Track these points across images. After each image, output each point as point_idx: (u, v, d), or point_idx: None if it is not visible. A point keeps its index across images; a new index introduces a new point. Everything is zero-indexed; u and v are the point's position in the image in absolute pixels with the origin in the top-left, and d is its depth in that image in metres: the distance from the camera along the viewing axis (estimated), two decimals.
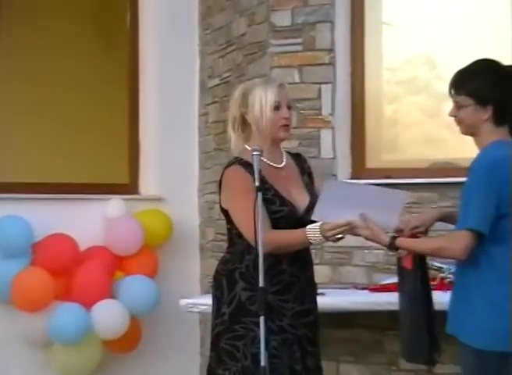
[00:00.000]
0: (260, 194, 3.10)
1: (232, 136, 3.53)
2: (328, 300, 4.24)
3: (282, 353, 3.36)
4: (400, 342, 3.48)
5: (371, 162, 5.06)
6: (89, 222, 5.43)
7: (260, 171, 3.18)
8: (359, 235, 3.25)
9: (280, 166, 3.51)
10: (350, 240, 3.45)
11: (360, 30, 5.05)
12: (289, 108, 3.47)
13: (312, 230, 3.26)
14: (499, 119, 3.15)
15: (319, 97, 5.00)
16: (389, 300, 4.32)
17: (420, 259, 3.34)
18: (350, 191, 3.28)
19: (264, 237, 3.07)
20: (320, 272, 4.56)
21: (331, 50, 5.00)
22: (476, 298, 3.08)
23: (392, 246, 3.20)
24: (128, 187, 5.80)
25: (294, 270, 3.43)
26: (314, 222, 3.33)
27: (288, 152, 3.62)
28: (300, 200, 3.47)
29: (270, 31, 5.08)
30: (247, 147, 3.46)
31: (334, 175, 4.93)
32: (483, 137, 3.17)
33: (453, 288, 3.25)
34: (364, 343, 4.84)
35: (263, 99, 3.41)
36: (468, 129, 3.22)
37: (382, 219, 3.20)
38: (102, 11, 6.15)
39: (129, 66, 5.87)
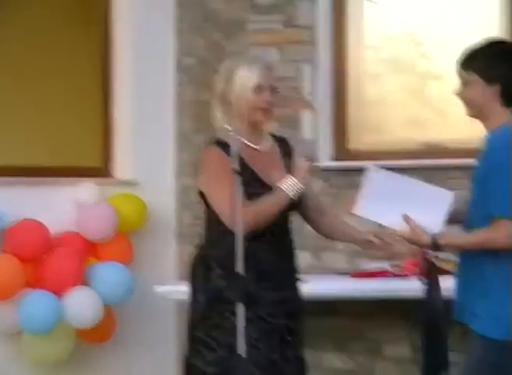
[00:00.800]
0: (238, 177, 3.03)
1: (217, 112, 3.46)
2: (310, 287, 4.14)
3: (260, 343, 3.31)
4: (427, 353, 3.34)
5: (353, 144, 5.07)
6: (60, 207, 5.35)
7: (239, 154, 3.10)
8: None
9: (261, 147, 3.46)
10: None
11: (342, 6, 5.06)
12: (273, 90, 3.39)
13: (288, 184, 3.24)
14: (507, 98, 3.13)
15: (299, 76, 5.00)
16: (373, 287, 4.28)
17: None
18: (394, 183, 3.18)
19: (244, 213, 3.02)
20: (301, 258, 4.49)
21: (311, 28, 4.98)
22: (494, 289, 3.05)
23: (435, 245, 3.11)
24: (101, 171, 5.71)
25: (273, 257, 3.38)
26: (294, 205, 3.31)
27: (273, 135, 3.56)
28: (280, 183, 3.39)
29: (249, 8, 5.07)
30: (228, 127, 3.39)
31: (314, 158, 4.83)
32: (492, 119, 3.13)
33: (463, 278, 3.19)
34: (346, 331, 4.82)
35: (244, 79, 3.35)
36: (475, 109, 3.18)
37: (426, 221, 3.09)
38: None
39: (102, 45, 5.78)
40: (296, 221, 4.07)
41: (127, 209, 5.41)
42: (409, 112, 5.08)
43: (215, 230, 3.37)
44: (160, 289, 4.49)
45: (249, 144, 3.39)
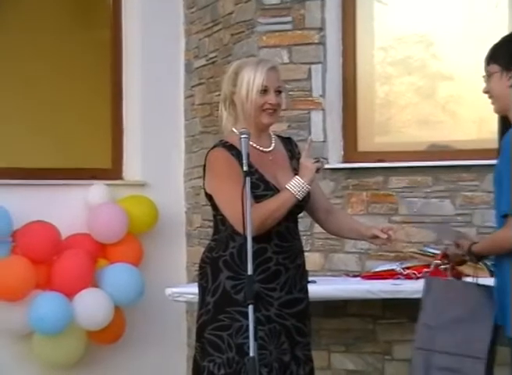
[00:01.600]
0: (248, 179, 3.01)
1: (224, 114, 3.45)
2: (320, 288, 4.18)
3: (270, 344, 3.29)
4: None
5: (363, 145, 5.00)
6: (71, 208, 5.38)
7: (248, 155, 3.09)
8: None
9: (267, 149, 3.43)
10: None
11: (352, 7, 4.99)
12: (279, 92, 3.38)
13: (294, 184, 3.22)
14: None
15: (309, 78, 4.95)
16: (382, 288, 4.26)
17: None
18: None
19: (250, 214, 3.04)
20: (311, 259, 4.53)
21: (321, 29, 4.94)
22: None
23: (471, 254, 3.19)
24: (111, 172, 5.73)
25: (280, 258, 3.34)
26: (301, 207, 3.33)
27: (278, 136, 3.54)
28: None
29: (258, 9, 5.01)
30: (234, 130, 3.39)
31: (325, 158, 4.82)
32: None
33: (496, 281, 3.20)
34: (356, 332, 4.80)
35: (250, 81, 3.33)
36: (499, 103, 3.15)
37: None
38: None
39: (112, 47, 5.80)
40: (305, 223, 4.08)
41: (137, 211, 5.43)
42: (419, 113, 5.03)
43: (222, 231, 3.35)
44: (170, 291, 4.47)
45: (255, 146, 3.37)
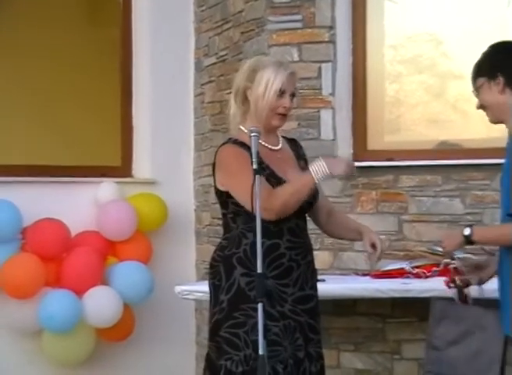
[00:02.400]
0: (258, 177, 3.02)
1: (233, 108, 3.46)
2: (329, 286, 4.17)
3: (284, 340, 3.30)
4: None
5: (372, 144, 4.99)
6: (80, 206, 5.38)
7: (258, 153, 3.10)
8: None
9: (276, 148, 3.45)
10: None
11: (362, 6, 4.97)
12: (292, 96, 3.40)
13: (317, 166, 3.21)
14: None
15: (319, 76, 4.94)
16: (391, 287, 4.25)
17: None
18: None
19: (272, 197, 3.17)
20: (320, 257, 4.52)
21: (331, 27, 4.93)
22: None
23: (469, 242, 3.15)
24: (120, 170, 5.73)
25: (293, 254, 3.35)
26: (310, 204, 3.35)
27: (283, 137, 3.55)
28: None
29: (268, 7, 5.00)
30: (242, 128, 3.40)
31: (335, 157, 4.82)
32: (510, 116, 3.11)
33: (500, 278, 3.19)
34: (365, 331, 4.80)
35: (270, 82, 3.34)
36: (493, 113, 3.18)
37: None
38: None
39: (121, 45, 5.79)
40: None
41: (146, 209, 5.43)
42: (429, 112, 5.01)
43: (234, 229, 3.35)
44: (179, 289, 4.47)
45: (264, 144, 3.37)
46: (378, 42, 5.01)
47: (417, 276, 4.48)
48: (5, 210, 5.12)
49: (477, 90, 3.20)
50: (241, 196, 3.28)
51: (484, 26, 4.83)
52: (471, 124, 4.82)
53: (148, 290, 5.23)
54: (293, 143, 3.57)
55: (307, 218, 3.48)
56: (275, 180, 3.32)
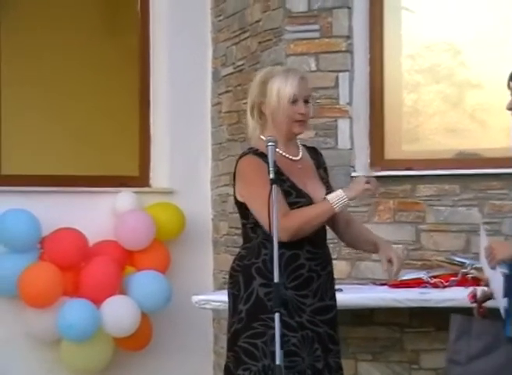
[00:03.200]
0: (275, 187, 3.03)
1: (251, 122, 3.45)
2: (346, 296, 4.16)
3: (303, 351, 3.29)
4: None
5: (390, 153, 4.98)
6: (98, 215, 5.40)
7: (275, 162, 3.11)
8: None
9: (296, 158, 3.45)
10: None
11: (379, 15, 4.97)
12: (307, 101, 3.39)
13: (335, 196, 3.26)
14: None
15: (336, 85, 4.93)
16: (409, 296, 4.24)
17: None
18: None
19: (288, 219, 3.17)
20: (338, 267, 4.49)
21: (348, 37, 4.93)
22: None
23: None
24: (138, 180, 5.75)
25: (312, 265, 3.35)
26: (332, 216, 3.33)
27: (303, 145, 3.55)
28: (316, 192, 3.40)
29: (285, 17, 5.00)
30: (262, 137, 3.39)
31: (352, 166, 4.80)
32: None
33: None
34: (383, 341, 4.78)
35: (281, 91, 3.34)
36: None
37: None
38: None
39: (140, 54, 5.82)
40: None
41: (164, 218, 5.44)
42: (447, 122, 5.00)
43: (254, 239, 3.35)
44: (197, 298, 4.47)
45: (284, 154, 3.38)
46: (395, 52, 5.00)
47: (435, 285, 4.46)
48: (24, 220, 5.13)
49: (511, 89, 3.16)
50: (258, 215, 3.28)
51: (501, 35, 4.81)
52: (489, 133, 4.80)
53: (166, 299, 5.24)
54: (312, 151, 3.56)
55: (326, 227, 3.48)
56: (295, 192, 3.32)
